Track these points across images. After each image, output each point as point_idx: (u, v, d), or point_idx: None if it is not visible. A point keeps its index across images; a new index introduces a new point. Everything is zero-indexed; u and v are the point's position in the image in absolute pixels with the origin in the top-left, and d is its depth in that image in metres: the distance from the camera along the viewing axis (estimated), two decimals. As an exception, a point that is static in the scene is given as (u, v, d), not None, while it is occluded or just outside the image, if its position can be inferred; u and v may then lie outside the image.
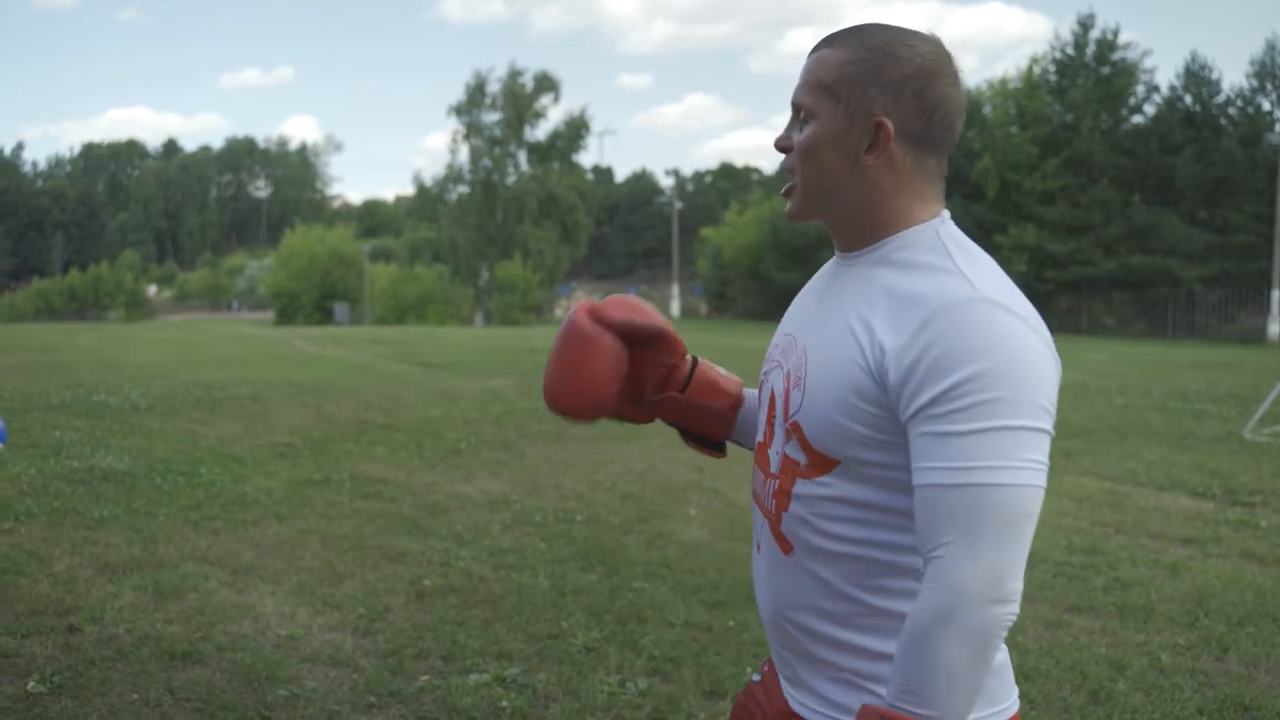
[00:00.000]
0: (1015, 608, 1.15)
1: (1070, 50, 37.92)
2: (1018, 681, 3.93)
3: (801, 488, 1.30)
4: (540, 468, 7.67)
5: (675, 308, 50.62)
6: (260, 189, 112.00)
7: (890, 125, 1.25)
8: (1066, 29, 43.29)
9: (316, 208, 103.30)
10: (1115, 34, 37.47)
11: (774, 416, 1.37)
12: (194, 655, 3.65)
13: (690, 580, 4.72)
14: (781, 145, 1.35)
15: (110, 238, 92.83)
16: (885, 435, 1.22)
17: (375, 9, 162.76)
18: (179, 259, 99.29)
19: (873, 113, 1.26)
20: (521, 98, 51.61)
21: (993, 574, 1.13)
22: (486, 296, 50.21)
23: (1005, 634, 1.16)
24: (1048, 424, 1.17)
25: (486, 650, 3.80)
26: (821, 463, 1.27)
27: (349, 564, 4.86)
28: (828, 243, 1.38)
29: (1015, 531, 1.14)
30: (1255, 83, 35.56)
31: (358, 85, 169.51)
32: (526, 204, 51.33)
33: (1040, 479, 1.16)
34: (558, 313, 53.92)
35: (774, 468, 1.36)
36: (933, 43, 1.29)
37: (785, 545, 1.34)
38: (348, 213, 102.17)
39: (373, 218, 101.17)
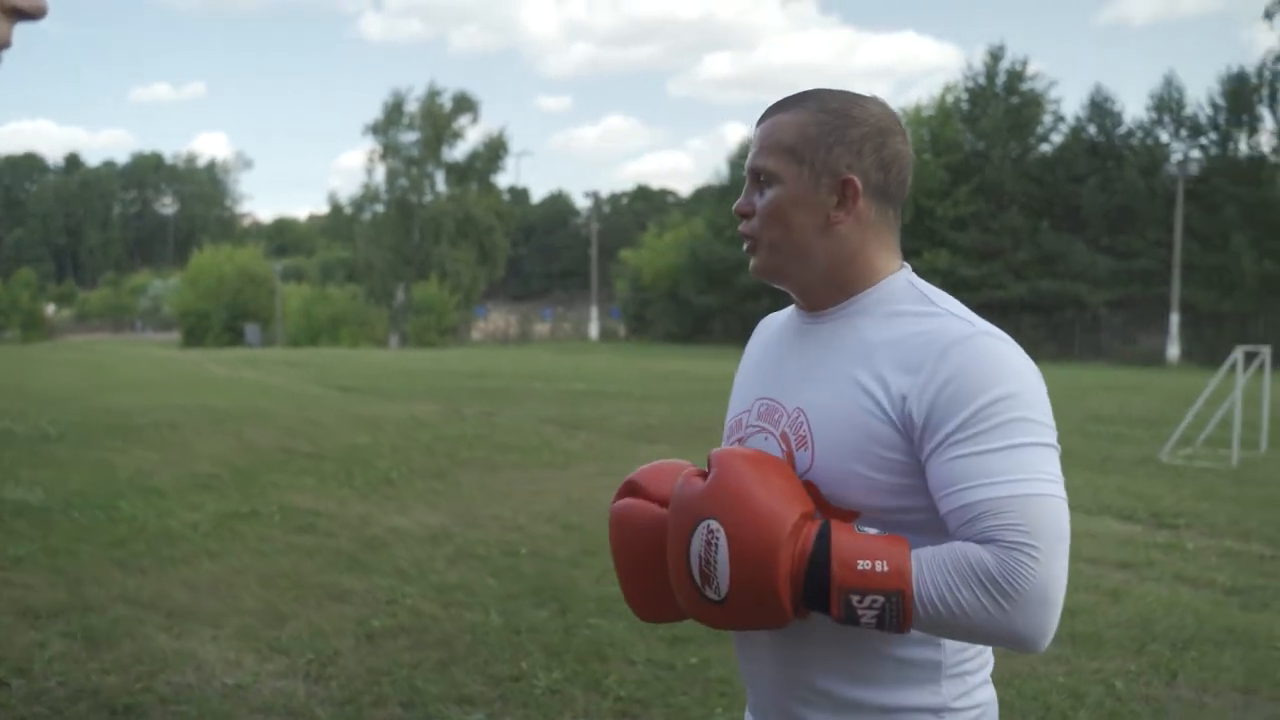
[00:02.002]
0: (1050, 634, 1.15)
1: (981, 80, 39.08)
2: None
3: None
4: (476, 497, 7.53)
5: (594, 330, 50.58)
6: (166, 206, 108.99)
7: (858, 182, 1.30)
8: (977, 59, 44.59)
9: (225, 226, 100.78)
10: (1024, 65, 38.78)
11: None
12: (136, 709, 3.44)
13: (645, 615, 4.64)
14: (743, 211, 1.36)
15: (5, 254, 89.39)
16: (909, 480, 1.24)
17: (292, 26, 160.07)
18: (79, 277, 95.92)
19: (839, 171, 1.30)
20: (440, 118, 51.23)
21: (1053, 592, 1.13)
22: (402, 318, 49.56)
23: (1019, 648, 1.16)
24: (1057, 443, 1.22)
25: (447, 695, 3.67)
26: (838, 518, 1.26)
27: (291, 604, 4.67)
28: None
29: (1064, 544, 1.16)
30: (1154, 115, 37.13)
31: (271, 102, 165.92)
32: (443, 224, 50.90)
33: (1064, 495, 1.19)
34: (474, 335, 53.45)
35: None
36: (881, 104, 1.35)
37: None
38: (258, 231, 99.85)
39: (283, 236, 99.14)
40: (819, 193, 1.31)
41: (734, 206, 1.39)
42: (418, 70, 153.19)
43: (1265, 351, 10.52)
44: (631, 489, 1.44)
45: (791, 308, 1.46)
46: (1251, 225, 33.50)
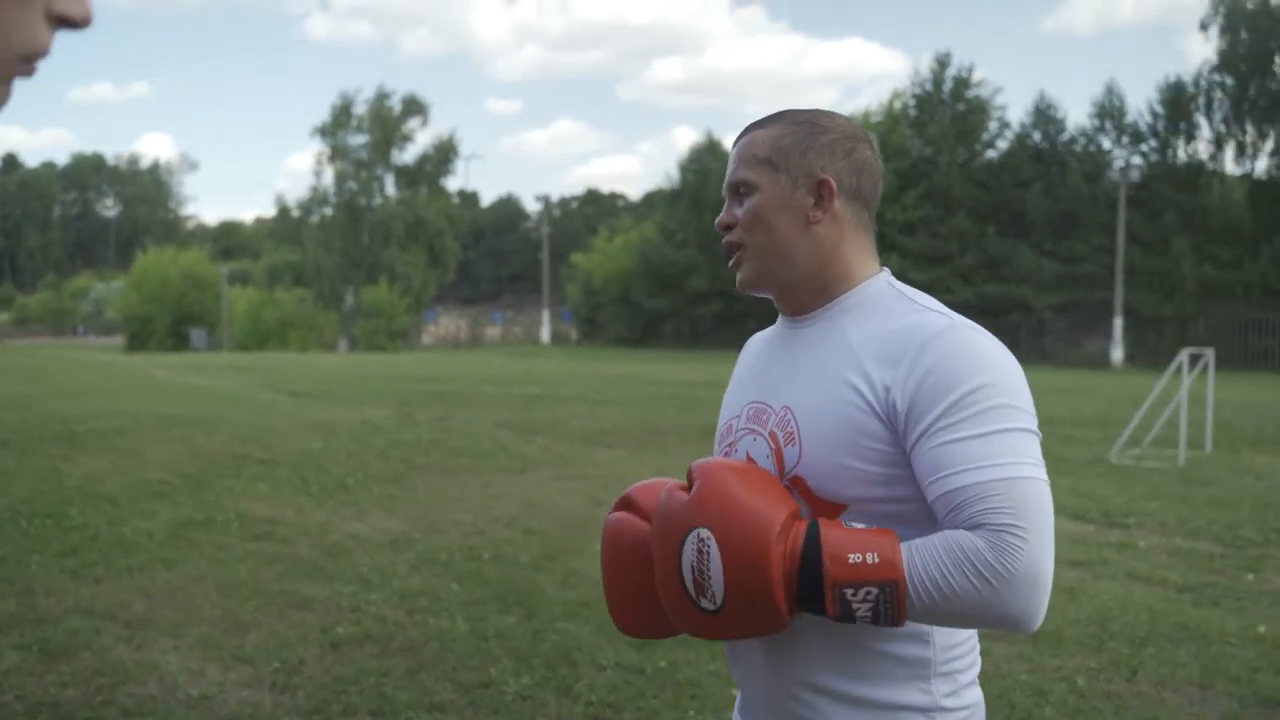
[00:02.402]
0: (1039, 621, 1.17)
1: (929, 86, 39.54)
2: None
3: None
4: (434, 503, 7.47)
5: (545, 334, 50.42)
6: (109, 208, 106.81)
7: (833, 182, 1.36)
8: (924, 65, 45.21)
9: (169, 228, 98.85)
10: (970, 72, 39.29)
11: None
12: (97, 722, 3.37)
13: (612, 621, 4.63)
14: (725, 223, 1.41)
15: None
16: (895, 470, 1.27)
17: (238, 27, 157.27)
18: (17, 281, 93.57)
19: (814, 173, 1.36)
20: (389, 120, 50.77)
21: (1043, 571, 1.16)
22: (351, 321, 49.04)
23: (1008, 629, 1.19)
24: (1037, 429, 1.25)
25: (417, 702, 3.63)
26: (826, 511, 1.30)
27: (252, 613, 4.60)
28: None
29: (1050, 527, 1.19)
30: (1097, 122, 37.80)
31: (216, 103, 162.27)
32: (393, 228, 50.44)
33: (1047, 479, 1.23)
34: (424, 339, 53.05)
35: None
36: (848, 118, 1.43)
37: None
38: (202, 234, 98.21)
39: (229, 239, 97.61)
40: (797, 194, 1.37)
41: (716, 221, 1.44)
42: (366, 73, 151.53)
43: (1209, 354, 10.75)
44: (625, 503, 1.45)
45: (776, 322, 1.50)
46: (1191, 231, 34.29)
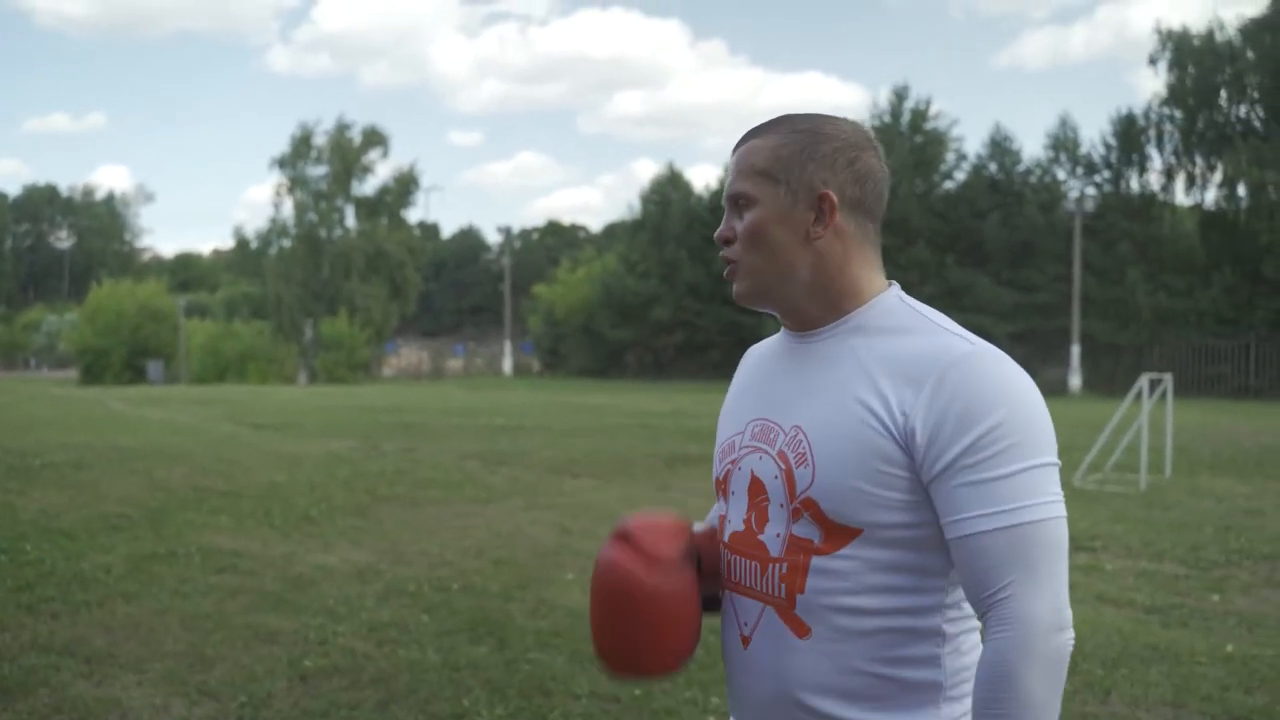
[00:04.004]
0: (1072, 632, 1.21)
1: (887, 118, 40.03)
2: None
3: (821, 563, 1.28)
4: (401, 534, 7.37)
5: (508, 365, 50.25)
6: (62, 239, 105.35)
7: (834, 196, 1.30)
8: (883, 98, 45.70)
9: (125, 260, 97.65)
10: (928, 104, 39.84)
11: (764, 500, 1.34)
12: (58, 759, 3.27)
13: (585, 649, 4.57)
14: (724, 237, 1.36)
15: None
16: (911, 495, 1.25)
17: (197, 58, 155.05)
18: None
19: (814, 187, 1.31)
20: (349, 151, 50.61)
21: (1056, 603, 1.19)
22: (311, 354, 48.61)
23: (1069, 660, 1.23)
24: (1057, 457, 1.26)
25: (389, 735, 3.56)
26: (840, 535, 1.27)
27: (217, 646, 4.49)
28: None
29: (1061, 561, 1.21)
30: (1051, 154, 38.47)
31: (174, 135, 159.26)
32: (354, 259, 50.19)
33: (1064, 510, 1.24)
34: (385, 371, 52.66)
35: (777, 551, 1.32)
36: (853, 123, 1.37)
37: (801, 628, 1.30)
38: (159, 266, 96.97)
39: (186, 271, 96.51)
40: (797, 209, 1.32)
41: (716, 234, 1.39)
42: (327, 105, 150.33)
43: (1168, 379, 10.91)
44: (624, 537, 1.40)
45: (779, 333, 1.45)
46: (1145, 260, 34.88)
